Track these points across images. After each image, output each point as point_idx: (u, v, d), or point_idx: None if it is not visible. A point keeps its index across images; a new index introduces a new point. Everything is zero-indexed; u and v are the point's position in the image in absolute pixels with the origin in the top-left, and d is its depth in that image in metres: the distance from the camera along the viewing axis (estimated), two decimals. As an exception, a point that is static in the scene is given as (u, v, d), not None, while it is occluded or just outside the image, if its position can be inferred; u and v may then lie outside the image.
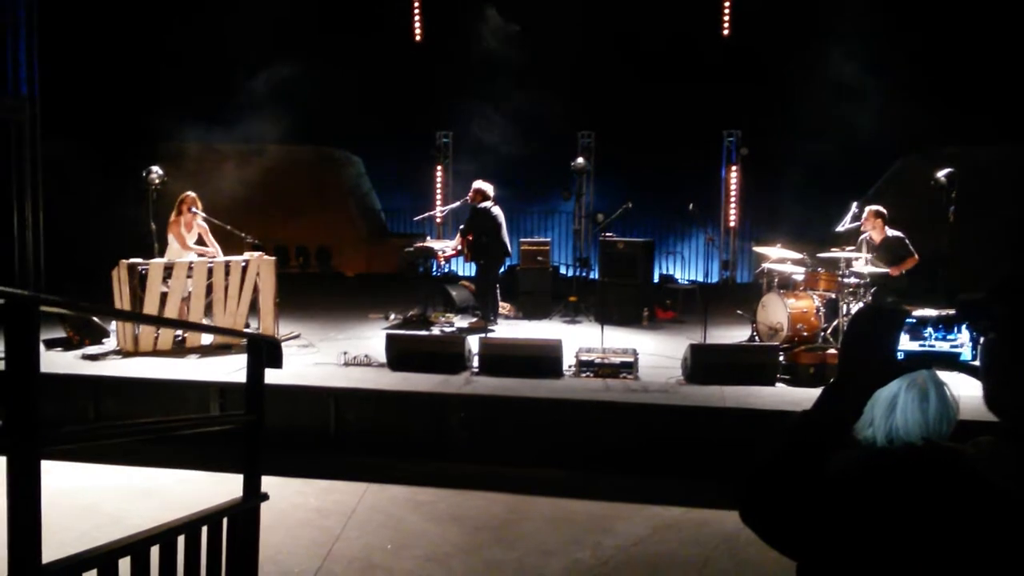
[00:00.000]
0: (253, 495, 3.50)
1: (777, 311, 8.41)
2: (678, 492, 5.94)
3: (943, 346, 1.90)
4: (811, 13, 13.84)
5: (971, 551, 1.68)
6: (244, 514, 3.44)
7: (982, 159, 12.78)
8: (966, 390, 1.93)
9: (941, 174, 8.54)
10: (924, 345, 1.89)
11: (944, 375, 1.92)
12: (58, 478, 5.75)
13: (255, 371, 3.59)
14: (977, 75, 13.23)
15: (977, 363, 1.91)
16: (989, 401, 1.89)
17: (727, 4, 15.03)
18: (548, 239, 11.76)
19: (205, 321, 8.54)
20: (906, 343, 1.81)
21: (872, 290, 8.21)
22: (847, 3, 13.63)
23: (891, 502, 1.72)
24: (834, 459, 1.83)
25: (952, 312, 2.02)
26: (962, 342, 1.94)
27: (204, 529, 3.07)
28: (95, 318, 8.58)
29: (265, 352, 3.63)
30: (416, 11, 16.22)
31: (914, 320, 1.83)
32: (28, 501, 2.20)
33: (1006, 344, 1.83)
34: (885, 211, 8.71)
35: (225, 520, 3.25)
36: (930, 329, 1.96)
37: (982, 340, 1.89)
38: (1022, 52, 12.83)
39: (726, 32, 15.10)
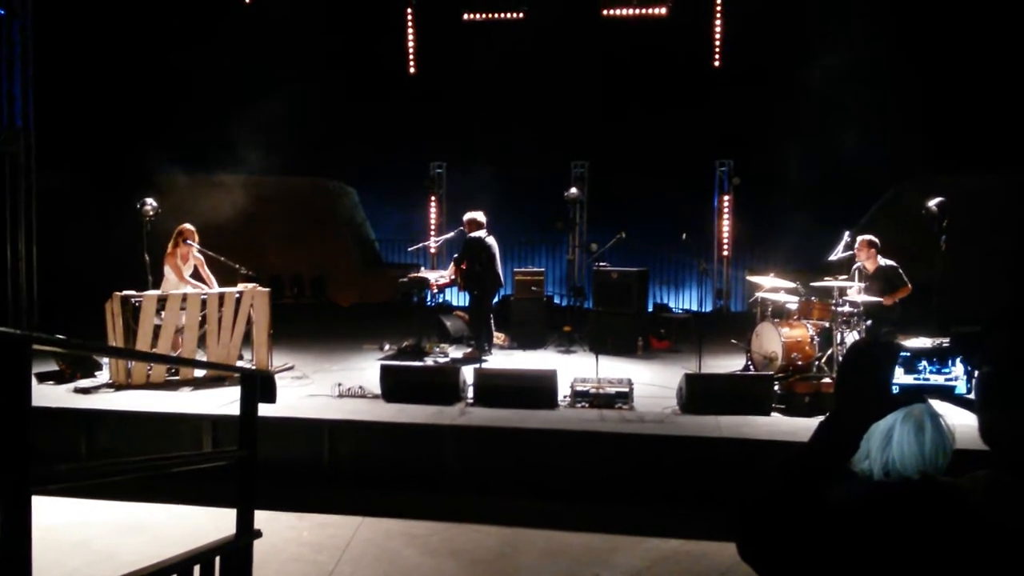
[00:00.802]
0: (246, 532, 3.47)
1: (771, 340, 8.41)
2: (675, 523, 5.89)
3: (938, 379, 1.89)
4: (802, 43, 13.99)
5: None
6: (237, 552, 3.41)
7: (975, 187, 12.87)
8: (961, 420, 1.92)
9: (932, 203, 8.58)
10: (919, 378, 1.88)
11: (939, 406, 1.92)
12: (50, 513, 5.69)
13: (248, 406, 3.57)
14: (969, 104, 13.35)
15: (971, 396, 1.90)
16: (984, 434, 1.89)
17: (718, 35, 15.19)
18: (542, 269, 11.77)
19: (199, 352, 8.51)
20: (901, 376, 1.80)
21: (867, 320, 8.22)
22: (839, 33, 13.79)
23: (888, 537, 1.71)
24: (831, 493, 1.82)
25: (947, 345, 2.02)
26: (957, 375, 1.93)
27: (196, 568, 3.04)
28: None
29: (258, 386, 3.61)
30: (410, 44, 16.35)
31: (909, 354, 1.83)
32: (19, 539, 2.18)
33: (1002, 378, 1.83)
34: (877, 240, 8.74)
35: (218, 558, 3.22)
36: (925, 362, 1.95)
37: (977, 373, 1.89)
38: (1015, 81, 12.96)
39: (717, 63, 15.24)
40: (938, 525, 1.73)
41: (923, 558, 1.71)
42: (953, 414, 1.91)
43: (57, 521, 5.70)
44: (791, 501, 1.83)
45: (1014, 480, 1.80)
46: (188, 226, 9.02)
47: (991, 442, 1.88)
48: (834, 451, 1.87)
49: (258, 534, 3.55)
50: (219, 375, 8.30)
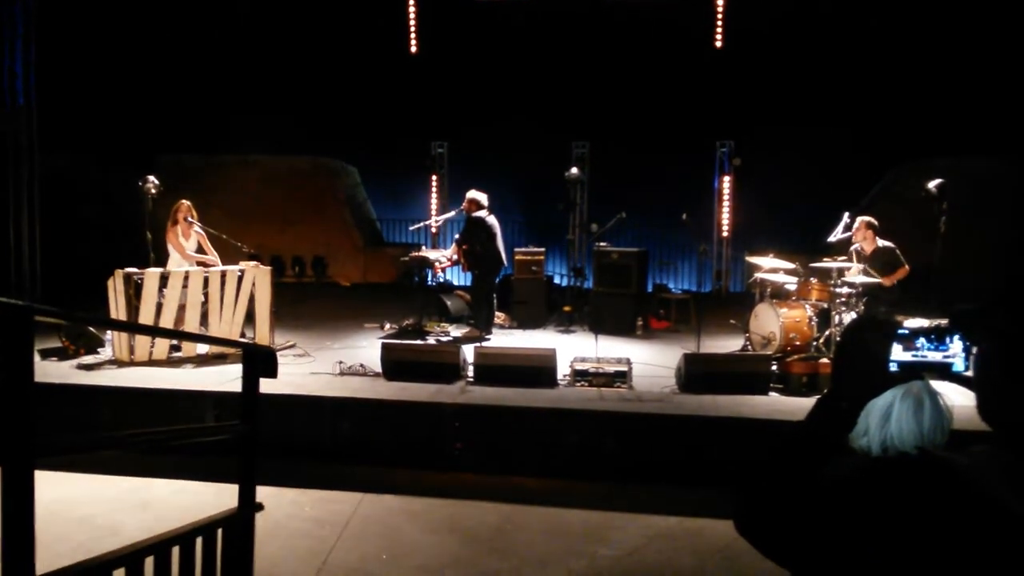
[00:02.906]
0: (248, 506, 3.50)
1: (770, 321, 8.43)
2: (673, 501, 5.95)
3: (935, 356, 1.90)
4: (803, 24, 13.93)
5: (964, 560, 1.70)
6: (238, 525, 3.44)
7: (974, 170, 12.85)
8: (959, 399, 1.95)
9: (932, 184, 8.56)
10: (916, 356, 1.90)
11: (937, 384, 1.94)
12: (54, 488, 5.74)
13: (250, 381, 3.59)
14: (970, 86, 13.31)
15: (969, 373, 1.92)
16: (982, 411, 1.91)
17: (720, 15, 15.10)
18: (542, 249, 11.75)
19: (201, 330, 8.53)
20: (899, 353, 1.82)
21: (864, 300, 8.24)
22: (839, 14, 13.72)
23: (885, 511, 1.73)
24: (829, 469, 1.84)
25: (945, 323, 2.03)
26: (954, 352, 1.95)
27: (199, 540, 3.07)
28: (91, 328, 8.56)
29: (260, 362, 3.63)
30: (412, 23, 16.27)
31: (906, 331, 1.84)
32: (22, 512, 2.20)
33: (1000, 355, 1.85)
34: (876, 221, 8.75)
35: (220, 531, 3.25)
36: (922, 340, 1.97)
37: (975, 351, 1.90)
38: (1016, 64, 12.91)
39: (719, 43, 15.16)
40: (934, 498, 1.75)
41: (921, 531, 1.73)
42: (950, 393, 1.92)
43: (62, 496, 5.75)
44: (788, 478, 1.85)
45: (1010, 456, 1.82)
46: (185, 202, 9.02)
47: (989, 418, 1.89)
48: (832, 427, 1.89)
49: (259, 507, 3.58)
50: (222, 352, 8.34)
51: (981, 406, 1.91)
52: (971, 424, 1.88)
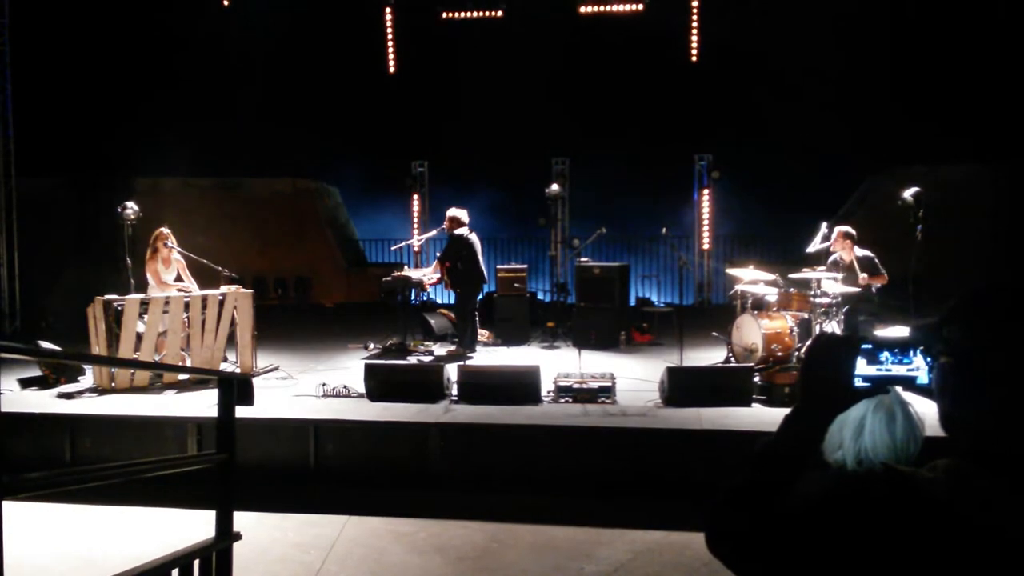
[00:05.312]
0: (225, 535, 3.49)
1: (752, 332, 8.48)
2: (658, 515, 5.95)
3: (900, 370, 1.93)
4: (778, 37, 14.08)
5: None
6: (216, 555, 3.42)
7: (950, 178, 13.00)
8: (931, 408, 1.98)
9: (908, 193, 8.66)
10: (881, 370, 1.93)
11: (908, 396, 1.97)
12: (35, 518, 5.69)
13: (225, 410, 3.59)
14: (945, 95, 13.49)
15: (932, 386, 1.94)
16: (944, 423, 1.94)
17: (695, 30, 15.25)
18: (525, 265, 11.80)
19: (183, 354, 8.49)
20: (863, 368, 1.85)
21: (845, 310, 8.30)
22: (814, 26, 13.88)
23: (846, 529, 1.75)
24: (800, 485, 1.86)
25: (907, 337, 2.06)
26: (918, 366, 1.98)
27: (175, 572, 3.04)
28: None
29: (235, 390, 3.63)
30: (389, 43, 16.34)
31: (870, 346, 1.87)
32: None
33: (957, 369, 1.88)
34: (854, 231, 8.83)
35: (196, 562, 3.23)
36: (886, 354, 2.00)
37: (935, 365, 1.94)
38: (990, 72, 13.10)
39: (694, 58, 15.31)
40: (900, 515, 1.77)
41: (886, 549, 1.74)
42: (919, 403, 1.97)
43: (44, 526, 5.70)
44: (757, 495, 1.86)
45: (972, 468, 1.84)
46: (164, 230, 8.94)
47: (949, 431, 1.92)
48: (799, 444, 1.91)
49: (237, 536, 3.57)
50: (203, 377, 8.29)
51: (942, 418, 1.94)
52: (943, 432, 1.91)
